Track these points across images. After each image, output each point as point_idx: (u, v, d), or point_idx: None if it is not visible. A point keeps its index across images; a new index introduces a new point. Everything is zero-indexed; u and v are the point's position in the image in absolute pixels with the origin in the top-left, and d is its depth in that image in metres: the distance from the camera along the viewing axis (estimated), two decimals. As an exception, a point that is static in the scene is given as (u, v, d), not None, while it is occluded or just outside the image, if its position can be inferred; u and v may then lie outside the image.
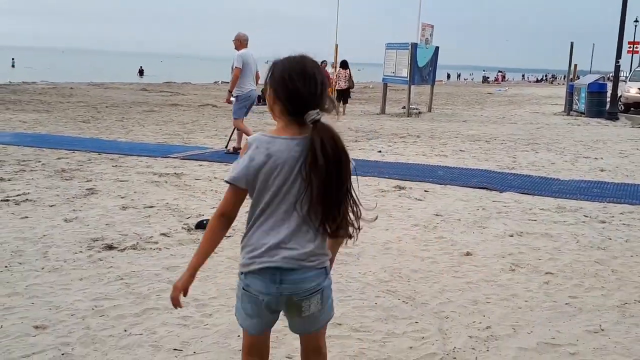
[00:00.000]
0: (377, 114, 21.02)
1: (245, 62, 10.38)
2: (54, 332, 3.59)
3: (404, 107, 21.62)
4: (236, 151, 10.55)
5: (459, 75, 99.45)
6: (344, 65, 21.35)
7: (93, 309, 3.93)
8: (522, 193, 7.99)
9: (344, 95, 20.89)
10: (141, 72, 55.72)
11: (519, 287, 4.59)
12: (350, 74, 21.18)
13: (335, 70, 22.04)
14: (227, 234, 5.76)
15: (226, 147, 10.97)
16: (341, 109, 20.58)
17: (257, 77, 10.77)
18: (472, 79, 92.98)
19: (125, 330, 3.65)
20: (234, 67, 10.36)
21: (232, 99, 10.69)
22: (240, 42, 10.55)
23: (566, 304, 4.29)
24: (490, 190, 8.14)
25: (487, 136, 14.72)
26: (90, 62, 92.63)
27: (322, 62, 23.72)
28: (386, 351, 3.50)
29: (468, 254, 5.37)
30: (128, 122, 15.38)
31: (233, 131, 11.05)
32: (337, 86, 20.93)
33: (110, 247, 5.20)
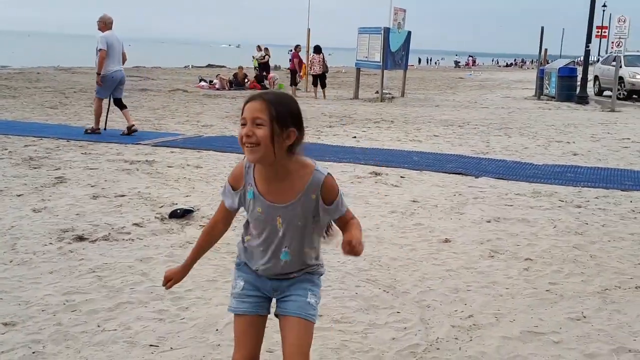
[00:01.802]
0: (350, 98, 20.91)
1: (110, 43, 10.46)
2: (24, 329, 3.45)
3: (377, 92, 21.56)
4: (94, 132, 10.60)
5: (429, 60, 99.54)
6: (317, 50, 21.46)
7: (64, 304, 3.79)
8: (497, 178, 7.99)
9: (320, 79, 21.14)
10: None
11: (499, 274, 4.56)
12: (323, 59, 21.34)
13: (309, 55, 22.02)
14: (203, 224, 5.59)
15: (105, 127, 10.91)
16: (320, 94, 21.00)
17: (124, 58, 10.93)
18: (440, 62, 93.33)
19: (99, 326, 3.52)
20: (99, 49, 10.43)
21: (100, 80, 10.65)
22: (105, 24, 10.63)
23: (547, 290, 4.27)
24: (466, 175, 8.12)
25: (460, 121, 14.73)
26: (54, 46, 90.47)
27: (296, 47, 23.73)
28: (368, 343, 3.43)
29: (447, 240, 5.33)
30: (97, 108, 15.03)
31: (108, 110, 11.05)
32: (312, 71, 21.41)
33: (81, 238, 5.04)
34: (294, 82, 22.77)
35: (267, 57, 26.58)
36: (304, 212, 2.28)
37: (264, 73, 25.83)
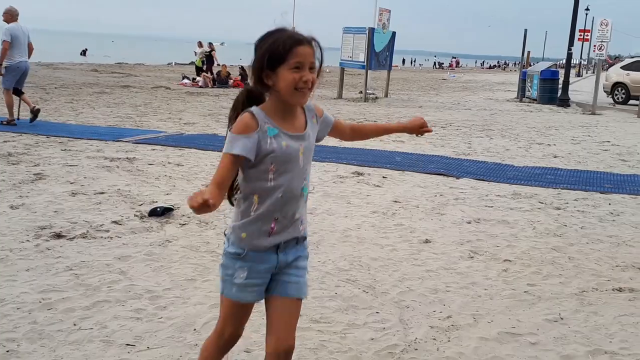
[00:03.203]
0: (334, 98, 20.91)
1: (14, 35, 10.75)
2: (-2, 327, 3.41)
3: (360, 92, 21.58)
4: (10, 123, 10.75)
5: (413, 61, 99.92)
6: None
7: (40, 302, 3.74)
8: (478, 179, 8.02)
9: None
10: (84, 53, 53.81)
11: (478, 275, 4.58)
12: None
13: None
14: (183, 222, 5.58)
15: (18, 117, 11.15)
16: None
17: (31, 49, 11.26)
18: (423, 64, 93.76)
19: (75, 325, 3.48)
20: (3, 41, 10.68)
21: (2, 70, 10.89)
22: (12, 16, 10.94)
23: (525, 292, 4.29)
24: (447, 176, 8.14)
25: (442, 122, 14.79)
26: (35, 41, 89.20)
27: None
28: (347, 343, 3.43)
29: (427, 241, 5.34)
30: (78, 104, 14.92)
31: (20, 103, 11.27)
32: None
33: (58, 236, 4.98)
34: None
35: (212, 52, 26.13)
36: (314, 136, 2.44)
37: (206, 70, 25.64)
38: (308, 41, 2.25)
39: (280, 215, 2.32)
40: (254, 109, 2.27)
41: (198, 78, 23.91)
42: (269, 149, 2.24)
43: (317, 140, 2.49)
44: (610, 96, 22.90)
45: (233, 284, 2.35)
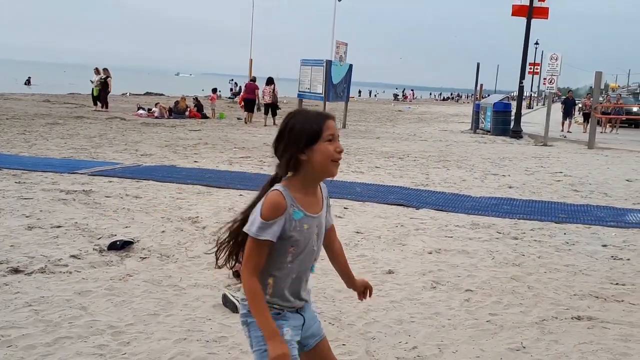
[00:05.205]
0: (292, 129, 21.02)
1: None
2: (-46, 367, 3.29)
3: (318, 123, 21.79)
4: None
5: (370, 93, 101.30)
6: (269, 81, 22.26)
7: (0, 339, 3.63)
8: (437, 210, 8.14)
9: (271, 108, 22.31)
10: (28, 82, 52.69)
11: (441, 305, 4.63)
12: (274, 90, 21.96)
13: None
14: (143, 256, 5.50)
15: None
16: (270, 121, 21.97)
17: None
18: (376, 95, 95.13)
19: (35, 363, 3.38)
20: None
21: None
22: None
23: (487, 321, 4.35)
24: (407, 207, 8.24)
25: (400, 153, 15.00)
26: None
27: (253, 79, 24.43)
28: (314, 376, 3.41)
29: (390, 272, 5.38)
30: (31, 136, 14.62)
31: None
32: (263, 100, 22.93)
33: (16, 271, 4.85)
34: (251, 110, 22.81)
35: (108, 78, 25.17)
36: (325, 216, 2.45)
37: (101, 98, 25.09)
38: (332, 116, 2.35)
39: (293, 292, 2.37)
40: (281, 189, 2.27)
41: (154, 109, 23.70)
42: (292, 233, 2.28)
43: None
44: None
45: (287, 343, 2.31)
